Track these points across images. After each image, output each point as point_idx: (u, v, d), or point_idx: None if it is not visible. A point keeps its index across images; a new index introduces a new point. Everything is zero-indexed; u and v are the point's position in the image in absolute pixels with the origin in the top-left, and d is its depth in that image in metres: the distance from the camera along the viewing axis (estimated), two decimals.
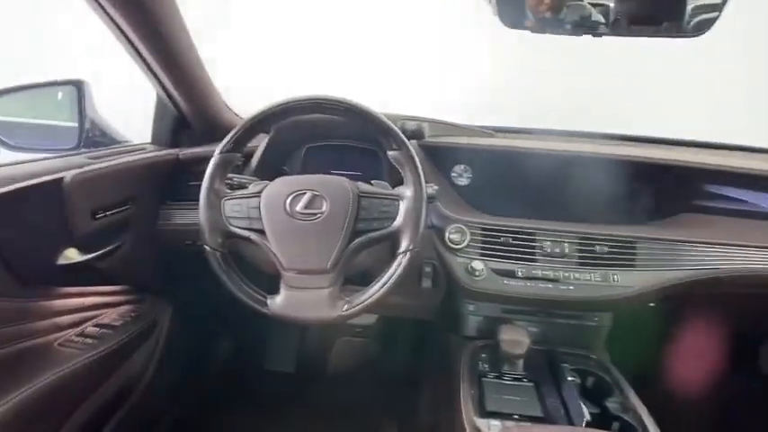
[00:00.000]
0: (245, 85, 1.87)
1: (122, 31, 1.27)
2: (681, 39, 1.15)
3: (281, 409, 2.12)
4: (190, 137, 1.66)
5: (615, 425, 1.19)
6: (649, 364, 1.48)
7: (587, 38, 1.18)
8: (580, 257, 1.38)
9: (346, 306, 1.11)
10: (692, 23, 1.13)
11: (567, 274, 1.37)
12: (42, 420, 1.17)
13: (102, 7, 1.18)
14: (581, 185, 1.52)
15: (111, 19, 1.22)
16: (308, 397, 2.22)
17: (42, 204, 1.15)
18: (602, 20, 1.16)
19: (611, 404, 1.23)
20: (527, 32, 1.23)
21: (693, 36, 1.13)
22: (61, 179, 1.18)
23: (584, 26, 1.17)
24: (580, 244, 1.39)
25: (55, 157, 1.31)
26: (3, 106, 1.35)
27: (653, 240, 1.37)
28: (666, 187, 1.50)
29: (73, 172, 1.20)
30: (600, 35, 1.14)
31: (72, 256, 1.25)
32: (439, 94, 2.43)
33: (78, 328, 1.37)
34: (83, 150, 1.43)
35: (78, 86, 1.46)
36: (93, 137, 1.50)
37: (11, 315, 1.16)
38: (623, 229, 1.41)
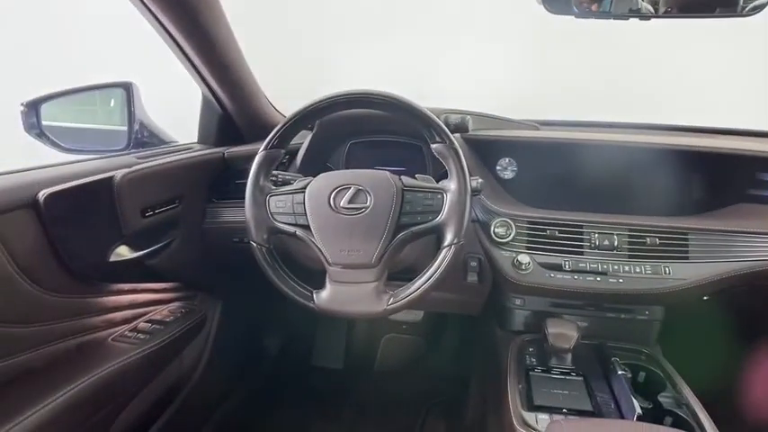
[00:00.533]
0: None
1: (168, 33, 1.30)
2: (733, 19, 1.11)
3: (329, 404, 2.14)
4: (235, 136, 1.69)
5: (668, 420, 1.16)
6: (703, 359, 1.43)
7: (628, 27, 1.16)
8: (630, 250, 1.35)
9: (391, 300, 1.11)
10: (746, 8, 1.10)
11: (616, 267, 1.34)
12: (96, 413, 1.21)
13: (150, 10, 1.21)
14: (630, 177, 1.49)
15: (159, 21, 1.26)
16: (356, 393, 2.23)
17: (94, 203, 1.19)
18: (652, 10, 1.13)
19: (664, 399, 1.20)
20: (569, 22, 1.21)
21: (747, 16, 1.09)
22: (111, 178, 1.21)
23: (632, 15, 1.14)
24: (630, 236, 1.36)
25: (105, 158, 1.35)
26: (54, 109, 1.38)
27: (707, 231, 1.33)
28: (720, 177, 1.45)
29: (122, 171, 1.23)
30: (648, 18, 1.11)
31: (123, 253, 1.28)
32: (477, 88, 2.41)
33: (131, 324, 1.41)
34: (132, 151, 1.47)
35: (127, 88, 1.49)
36: (142, 138, 1.53)
37: (67, 311, 1.19)
38: (675, 221, 1.37)
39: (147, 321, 1.44)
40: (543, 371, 1.31)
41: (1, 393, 1.03)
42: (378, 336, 2.40)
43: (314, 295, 1.14)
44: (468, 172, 1.12)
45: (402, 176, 1.16)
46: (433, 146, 1.15)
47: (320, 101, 1.15)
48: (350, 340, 2.46)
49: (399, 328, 2.37)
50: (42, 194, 1.04)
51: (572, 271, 1.35)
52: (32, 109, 1.32)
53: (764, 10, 1.08)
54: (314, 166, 1.54)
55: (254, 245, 1.16)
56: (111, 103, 1.55)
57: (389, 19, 2.63)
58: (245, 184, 1.18)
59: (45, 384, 1.09)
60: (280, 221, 1.16)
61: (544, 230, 1.39)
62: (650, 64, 2.34)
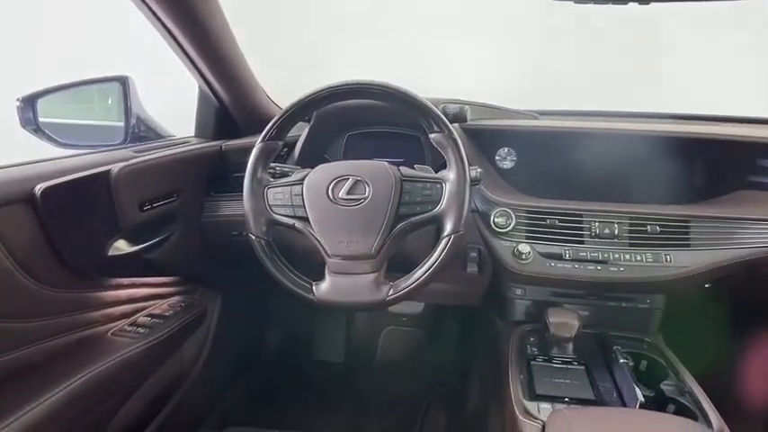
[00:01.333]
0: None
1: (164, 26, 1.29)
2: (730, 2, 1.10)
3: (330, 398, 2.14)
4: (232, 129, 1.68)
5: (671, 407, 1.16)
6: (705, 347, 1.43)
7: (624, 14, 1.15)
8: (631, 238, 1.35)
9: (391, 291, 1.10)
10: None
11: (616, 256, 1.33)
12: (97, 407, 1.21)
13: (146, 3, 1.20)
14: (630, 165, 1.48)
15: (154, 14, 1.25)
16: (357, 386, 2.23)
17: (91, 197, 1.18)
18: None
19: (666, 387, 1.20)
20: (565, 9, 1.20)
21: None
22: (108, 172, 1.20)
23: None
24: (630, 224, 1.35)
25: (102, 152, 1.34)
26: (51, 105, 1.38)
27: (708, 219, 1.33)
28: (720, 164, 1.45)
29: (120, 165, 1.22)
30: (647, 2, 1.10)
31: (122, 247, 1.28)
32: (472, 80, 2.40)
33: (130, 319, 1.41)
34: (129, 145, 1.46)
35: (123, 83, 1.48)
36: (139, 132, 1.53)
37: (66, 306, 1.19)
38: (676, 208, 1.37)
39: (146, 316, 1.43)
40: (545, 360, 1.31)
41: (0, 388, 1.03)
42: (378, 328, 2.40)
43: (313, 287, 1.13)
44: (468, 162, 1.12)
45: (401, 167, 1.15)
46: (432, 136, 1.14)
47: (318, 92, 1.14)
48: (350, 333, 2.45)
49: (399, 321, 2.37)
50: (39, 188, 1.03)
51: (572, 260, 1.35)
52: (29, 104, 1.31)
53: None
54: (312, 158, 1.53)
55: (253, 237, 1.16)
56: (109, 101, 1.54)
57: (388, 13, 2.61)
58: (242, 178, 1.18)
59: (45, 379, 1.09)
60: (278, 213, 1.15)
61: (544, 220, 1.39)
62: (649, 55, 2.33)
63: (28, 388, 1.06)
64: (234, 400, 1.97)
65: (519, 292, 1.50)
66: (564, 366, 1.28)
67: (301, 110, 1.17)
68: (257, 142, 1.18)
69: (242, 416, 1.97)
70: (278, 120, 1.16)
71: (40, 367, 1.11)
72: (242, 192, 1.17)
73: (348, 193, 1.12)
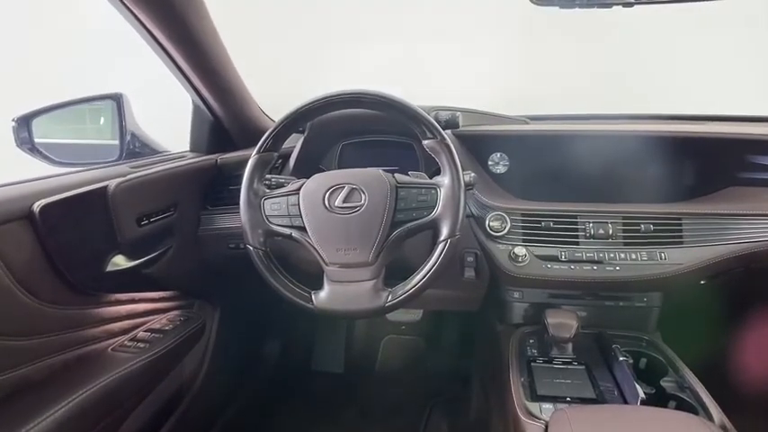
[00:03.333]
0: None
1: (157, 41, 1.30)
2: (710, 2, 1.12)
3: (331, 409, 2.13)
4: (227, 143, 1.69)
5: (672, 404, 1.17)
6: (703, 343, 1.44)
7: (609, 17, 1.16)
8: (625, 237, 1.36)
9: (390, 297, 1.11)
10: None
11: (611, 255, 1.35)
12: (98, 423, 1.20)
13: (137, 18, 1.22)
14: (622, 166, 1.50)
15: (146, 29, 1.26)
16: (358, 396, 2.23)
17: (89, 213, 1.18)
18: None
19: (666, 383, 1.21)
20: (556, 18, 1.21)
21: None
22: (105, 188, 1.21)
23: (615, 3, 1.15)
24: (624, 224, 1.36)
25: (98, 168, 1.35)
26: (46, 125, 1.38)
27: (700, 216, 1.34)
28: (711, 162, 1.46)
29: (116, 180, 1.23)
30: (630, 5, 1.12)
31: (120, 262, 1.28)
32: (463, 86, 2.41)
33: (130, 334, 1.40)
34: (124, 161, 1.47)
35: (117, 100, 1.49)
36: (134, 149, 1.53)
37: (65, 322, 1.19)
38: (668, 207, 1.38)
39: (146, 330, 1.43)
40: (545, 361, 1.31)
41: (1, 407, 1.02)
42: (377, 338, 2.40)
43: (312, 296, 1.14)
44: (461, 167, 1.13)
45: (395, 174, 1.16)
46: (425, 142, 1.15)
47: (312, 102, 1.15)
48: (349, 343, 2.45)
49: (399, 329, 2.37)
50: (37, 206, 1.04)
51: (568, 261, 1.36)
52: (24, 124, 1.32)
53: None
54: (307, 168, 1.54)
55: (251, 248, 1.16)
56: (101, 121, 1.55)
57: (377, 23, 2.63)
58: (238, 190, 1.19)
59: (45, 397, 1.08)
60: (275, 224, 1.16)
61: (539, 222, 1.40)
62: (639, 57, 2.35)
63: (29, 406, 1.05)
64: (235, 412, 1.97)
65: (517, 295, 1.50)
66: (564, 367, 1.29)
67: (296, 120, 1.18)
68: (253, 154, 1.19)
69: (244, 429, 1.97)
70: (273, 131, 1.17)
71: (40, 385, 1.11)
72: (238, 204, 1.18)
73: (344, 201, 1.13)
